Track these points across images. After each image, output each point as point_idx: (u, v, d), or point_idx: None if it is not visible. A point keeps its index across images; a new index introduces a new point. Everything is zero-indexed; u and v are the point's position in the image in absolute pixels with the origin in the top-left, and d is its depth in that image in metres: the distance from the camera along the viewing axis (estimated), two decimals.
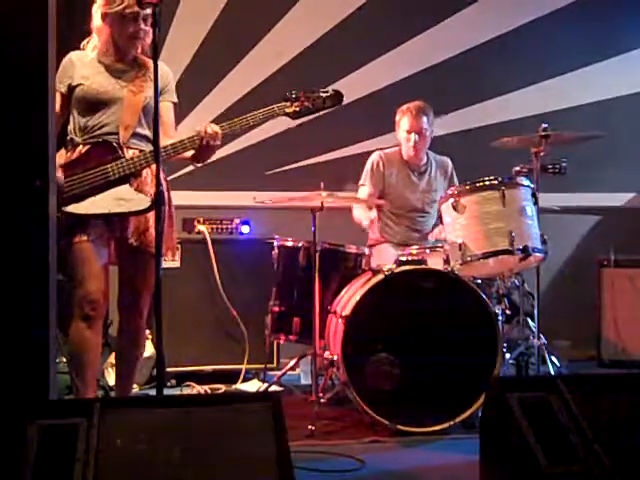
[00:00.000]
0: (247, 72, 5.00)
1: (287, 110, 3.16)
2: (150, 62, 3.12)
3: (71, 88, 3.11)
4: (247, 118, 3.11)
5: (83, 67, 3.13)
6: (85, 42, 3.19)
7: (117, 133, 3.08)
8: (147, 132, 3.14)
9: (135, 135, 3.11)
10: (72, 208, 2.98)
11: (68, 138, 3.13)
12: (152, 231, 2.92)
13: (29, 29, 2.10)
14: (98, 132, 3.09)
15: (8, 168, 2.09)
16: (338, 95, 3.21)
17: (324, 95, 3.19)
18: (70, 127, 3.14)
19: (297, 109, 3.16)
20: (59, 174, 2.94)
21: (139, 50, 3.17)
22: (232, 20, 4.98)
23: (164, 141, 3.11)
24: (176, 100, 3.27)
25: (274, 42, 5.02)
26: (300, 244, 3.94)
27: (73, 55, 3.17)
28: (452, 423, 3.33)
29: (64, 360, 3.59)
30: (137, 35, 3.09)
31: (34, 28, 2.10)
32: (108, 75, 3.13)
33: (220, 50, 4.96)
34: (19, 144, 2.10)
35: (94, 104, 3.10)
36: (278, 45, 5.01)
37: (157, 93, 2.61)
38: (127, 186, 3.02)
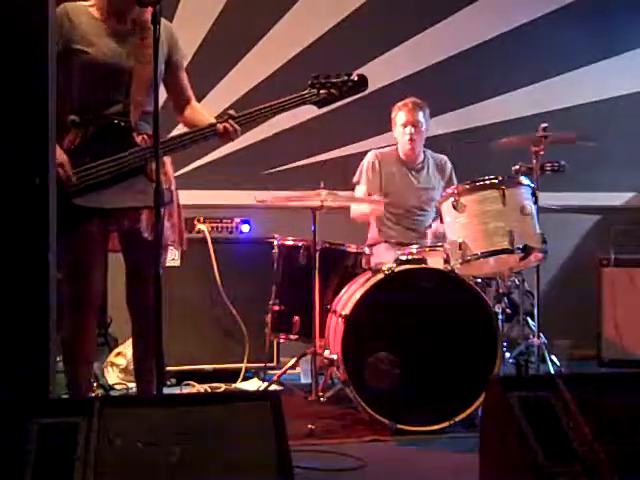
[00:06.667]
0: (247, 71, 5.00)
1: (315, 98, 2.99)
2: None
3: (68, 50, 2.72)
4: (275, 105, 2.94)
5: (82, 25, 2.77)
6: None
7: (126, 113, 2.80)
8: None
9: (143, 114, 2.83)
10: (83, 201, 2.74)
11: (69, 119, 2.78)
12: (163, 222, 2.67)
13: (28, 21, 2.09)
14: (105, 112, 2.79)
15: (7, 165, 2.08)
16: (363, 80, 3.03)
17: (350, 82, 3.01)
18: (68, 103, 2.78)
19: (325, 97, 3.00)
20: (64, 158, 2.70)
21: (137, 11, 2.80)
22: (232, 19, 4.98)
23: (189, 112, 2.98)
24: (185, 56, 3.03)
25: (274, 41, 5.02)
26: (300, 243, 3.94)
27: (68, 7, 2.76)
28: (452, 422, 3.33)
29: None
30: None
31: (33, 19, 2.09)
32: (112, 40, 2.79)
33: (220, 50, 4.96)
34: (18, 141, 2.09)
35: (100, 77, 2.77)
36: (278, 44, 5.01)
37: (157, 92, 2.46)
38: (142, 177, 2.78)
